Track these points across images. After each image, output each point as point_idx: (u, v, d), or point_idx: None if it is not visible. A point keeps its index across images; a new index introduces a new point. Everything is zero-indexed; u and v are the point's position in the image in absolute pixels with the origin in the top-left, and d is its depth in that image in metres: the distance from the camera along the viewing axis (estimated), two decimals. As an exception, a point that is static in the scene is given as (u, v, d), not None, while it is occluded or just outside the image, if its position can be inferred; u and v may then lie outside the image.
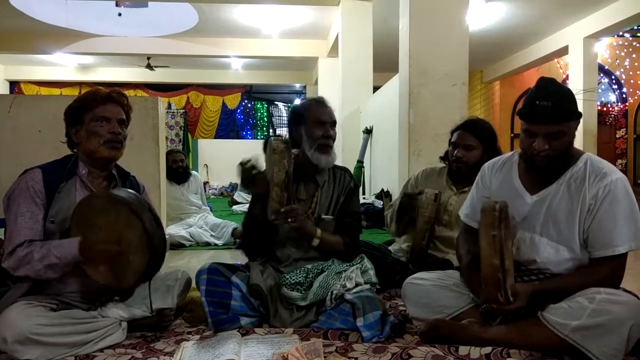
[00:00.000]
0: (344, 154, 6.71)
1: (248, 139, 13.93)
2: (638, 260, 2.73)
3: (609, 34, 8.33)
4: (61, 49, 9.28)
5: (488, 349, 1.46)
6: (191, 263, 3.25)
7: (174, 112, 11.79)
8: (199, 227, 4.26)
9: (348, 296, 1.75)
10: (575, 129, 1.55)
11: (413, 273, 1.87)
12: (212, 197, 10.27)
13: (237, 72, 12.08)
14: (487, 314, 1.61)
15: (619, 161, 10.44)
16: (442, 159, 2.50)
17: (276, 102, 14.28)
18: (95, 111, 1.71)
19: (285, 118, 13.99)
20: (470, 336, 1.53)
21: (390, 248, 2.60)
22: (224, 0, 7.11)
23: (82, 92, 1.84)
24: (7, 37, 8.88)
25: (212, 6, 7.52)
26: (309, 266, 1.89)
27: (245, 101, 14.02)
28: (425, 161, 3.61)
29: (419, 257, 2.35)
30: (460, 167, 2.32)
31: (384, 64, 7.45)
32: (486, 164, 1.81)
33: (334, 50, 8.14)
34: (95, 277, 1.60)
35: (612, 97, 10.65)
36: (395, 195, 4.69)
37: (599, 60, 8.66)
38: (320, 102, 2.03)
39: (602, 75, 9.98)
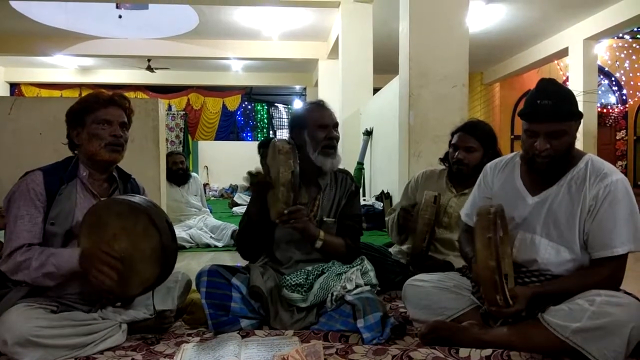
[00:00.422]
0: (344, 156, 6.63)
1: (248, 140, 13.94)
2: (638, 262, 2.72)
3: (609, 36, 8.33)
4: (61, 51, 9.29)
5: (488, 351, 1.46)
6: (191, 265, 3.25)
7: (174, 114, 11.82)
8: (199, 228, 4.26)
9: (348, 297, 1.75)
10: (576, 129, 1.55)
11: (413, 275, 1.87)
12: (212, 198, 10.28)
13: (237, 74, 12.09)
14: (488, 315, 1.61)
15: (619, 163, 10.43)
16: (442, 160, 2.50)
17: (276, 104, 14.28)
18: (97, 114, 1.72)
19: (286, 120, 14.01)
20: (470, 338, 1.53)
21: (390, 250, 2.60)
22: (224, 2, 7.12)
23: (83, 94, 1.84)
24: (8, 39, 8.89)
25: (212, 8, 7.53)
26: (310, 268, 1.89)
27: (246, 103, 14.03)
28: (425, 163, 3.61)
29: (419, 259, 2.35)
30: (461, 169, 2.32)
31: (384, 65, 7.45)
32: (488, 165, 1.81)
33: (334, 52, 8.14)
34: (99, 284, 1.59)
35: (612, 99, 10.65)
36: (396, 196, 4.69)
37: (599, 62, 8.67)
38: (320, 105, 2.03)
39: (602, 76, 9.99)
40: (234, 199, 7.99)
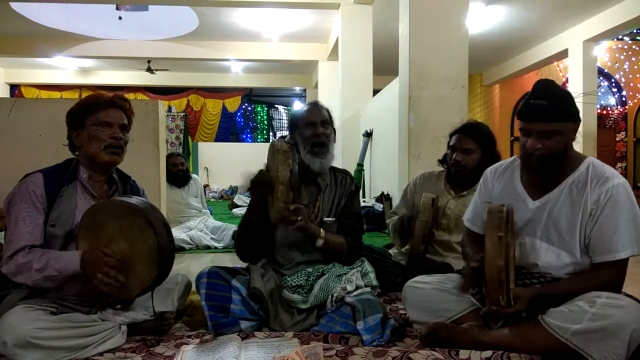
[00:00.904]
0: (343, 157, 6.71)
1: (248, 142, 13.94)
2: (639, 266, 2.72)
3: (608, 37, 8.34)
4: (61, 52, 9.29)
5: (488, 353, 1.46)
6: (191, 266, 3.25)
7: (174, 115, 11.82)
8: (199, 230, 4.26)
9: (348, 299, 1.75)
10: (573, 131, 1.54)
11: (413, 277, 1.87)
12: (212, 200, 10.28)
13: (237, 75, 12.10)
14: (488, 317, 1.61)
15: (619, 164, 10.44)
16: (441, 162, 2.50)
17: (276, 105, 14.30)
18: (97, 115, 1.72)
19: (286, 121, 14.02)
20: (470, 340, 1.53)
21: (390, 251, 2.60)
22: (224, 3, 7.13)
23: (83, 96, 1.84)
24: (8, 40, 8.90)
25: (212, 10, 7.54)
26: (310, 269, 1.89)
27: (246, 104, 14.04)
28: (425, 164, 3.61)
29: (417, 262, 2.35)
30: (458, 171, 2.32)
31: (384, 67, 7.46)
32: (489, 169, 1.81)
33: (334, 54, 8.15)
34: (99, 286, 1.60)
35: (612, 100, 10.66)
36: (395, 198, 4.69)
37: (598, 64, 8.68)
38: (311, 104, 2.06)
39: (601, 78, 10.00)
40: (234, 200, 7.99)
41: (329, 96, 8.57)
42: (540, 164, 1.54)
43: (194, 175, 4.69)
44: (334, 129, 2.05)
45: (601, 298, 1.39)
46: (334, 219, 1.99)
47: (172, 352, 1.60)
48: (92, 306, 1.71)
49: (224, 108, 13.35)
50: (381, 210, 5.03)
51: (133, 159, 2.51)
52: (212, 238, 4.22)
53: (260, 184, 1.84)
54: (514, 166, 1.71)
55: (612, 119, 10.60)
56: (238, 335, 1.70)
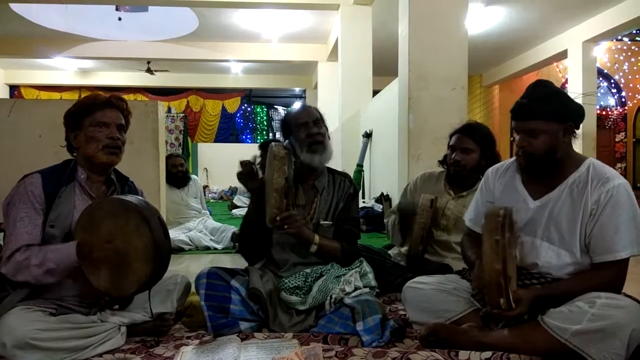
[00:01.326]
0: (343, 158, 6.71)
1: (248, 142, 13.94)
2: (639, 266, 2.72)
3: (607, 38, 8.36)
4: (61, 53, 9.30)
5: (488, 354, 1.46)
6: (191, 267, 3.24)
7: (173, 116, 11.81)
8: (199, 231, 4.26)
9: (347, 300, 1.75)
10: (563, 131, 1.54)
11: (412, 278, 1.87)
12: (212, 201, 10.27)
13: (237, 76, 12.11)
14: (488, 318, 1.61)
15: (619, 165, 10.44)
16: (441, 163, 2.50)
17: (276, 106, 14.31)
18: (94, 116, 1.72)
19: (284, 122, 14.00)
20: (470, 340, 1.53)
21: (389, 252, 2.60)
22: (224, 4, 7.14)
23: (82, 97, 1.84)
24: (7, 41, 8.90)
25: (212, 11, 7.54)
26: (308, 270, 1.89)
27: (245, 105, 14.05)
28: (424, 165, 3.61)
29: (416, 263, 2.35)
30: (457, 171, 2.32)
31: (384, 68, 7.46)
32: (490, 169, 1.82)
33: (333, 55, 8.16)
34: (96, 283, 1.60)
35: (611, 101, 10.67)
36: (395, 199, 4.69)
37: (598, 64, 8.69)
38: (300, 107, 2.10)
39: (601, 79, 10.01)
40: (234, 201, 7.98)
41: (328, 97, 8.58)
42: (527, 162, 1.57)
43: (193, 176, 4.69)
44: (326, 127, 2.06)
45: (601, 299, 1.39)
46: (330, 222, 1.99)
47: (172, 353, 1.60)
48: (91, 307, 1.71)
49: (224, 109, 13.35)
50: (381, 211, 5.03)
51: (132, 160, 2.51)
52: (211, 239, 4.22)
53: (247, 175, 1.87)
54: (515, 166, 1.72)
55: (611, 119, 10.60)
56: (237, 336, 1.70)
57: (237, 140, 13.96)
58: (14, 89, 12.29)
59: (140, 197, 1.71)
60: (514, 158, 1.75)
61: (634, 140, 10.59)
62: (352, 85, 6.92)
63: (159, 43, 9.24)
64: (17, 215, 1.60)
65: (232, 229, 4.26)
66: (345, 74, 6.96)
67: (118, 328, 1.66)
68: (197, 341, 1.70)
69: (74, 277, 1.62)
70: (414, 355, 1.48)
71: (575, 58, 8.04)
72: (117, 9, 7.34)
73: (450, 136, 2.39)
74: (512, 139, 11.15)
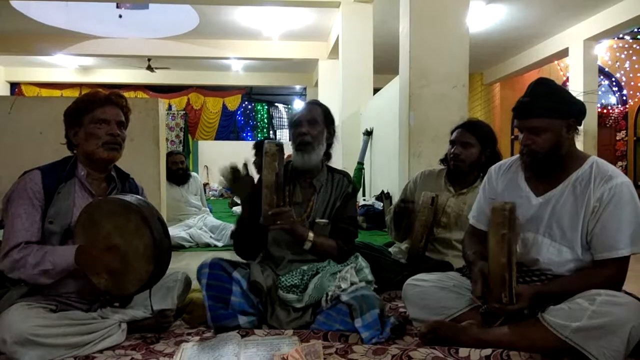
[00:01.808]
0: (344, 156, 6.71)
1: (248, 140, 13.93)
2: (639, 263, 2.72)
3: (609, 36, 8.34)
4: (62, 51, 9.29)
5: (488, 351, 1.46)
6: (191, 264, 3.25)
7: (174, 114, 11.82)
8: (199, 228, 4.26)
9: (344, 298, 1.74)
10: (565, 127, 1.55)
11: (412, 275, 1.87)
12: (212, 198, 10.27)
13: (237, 73, 12.09)
14: (488, 315, 1.61)
15: (619, 163, 10.42)
16: (442, 161, 2.50)
17: (276, 104, 14.29)
18: (94, 113, 1.72)
19: (286, 120, 14.02)
20: (470, 338, 1.53)
21: (390, 250, 2.60)
22: (224, 2, 7.12)
23: (82, 94, 1.84)
24: (8, 38, 8.89)
25: (212, 8, 7.53)
26: (305, 268, 1.89)
27: (246, 103, 14.04)
28: (425, 163, 3.61)
29: (417, 260, 2.35)
30: (457, 165, 2.33)
31: (384, 65, 7.45)
32: (493, 167, 1.82)
33: (334, 52, 8.14)
34: (96, 282, 1.60)
35: (613, 99, 10.64)
36: (396, 197, 4.69)
37: (599, 63, 8.67)
38: (307, 103, 2.08)
39: (602, 77, 9.98)
40: (234, 198, 7.98)
41: (329, 95, 8.56)
42: (532, 160, 1.57)
43: (193, 174, 4.69)
44: (330, 127, 2.03)
45: (601, 296, 1.39)
46: (327, 220, 1.98)
47: (172, 349, 1.60)
48: (92, 304, 1.71)
49: (224, 106, 13.34)
50: (381, 209, 5.03)
51: (133, 157, 2.51)
52: (211, 236, 4.22)
53: (238, 185, 1.87)
54: (518, 164, 1.72)
55: (612, 118, 10.58)
56: (238, 333, 1.70)
57: (238, 138, 13.95)
58: (14, 86, 12.29)
59: (140, 197, 1.71)
60: (517, 156, 1.75)
61: (634, 138, 10.57)
62: (352, 83, 6.91)
63: (159, 40, 9.23)
64: (16, 212, 1.61)
65: (232, 226, 4.23)
66: (346, 71, 6.95)
67: (118, 325, 1.66)
68: (197, 338, 1.70)
69: (74, 275, 1.62)
70: (414, 352, 1.48)
71: (576, 56, 8.03)
72: (117, 6, 7.32)
73: (452, 132, 2.40)
74: (513, 137, 11.16)
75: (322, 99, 9.15)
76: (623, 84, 10.35)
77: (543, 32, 8.50)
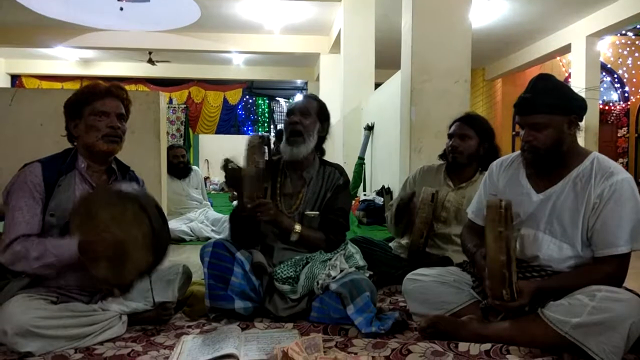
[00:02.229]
0: (345, 151, 6.70)
1: (249, 134, 13.90)
2: (639, 260, 2.73)
3: (611, 33, 8.30)
4: (62, 43, 9.26)
5: (488, 346, 1.47)
6: (191, 258, 3.25)
7: (175, 107, 11.80)
8: (200, 222, 4.26)
9: (333, 286, 1.75)
10: (567, 123, 1.54)
11: (413, 270, 1.87)
12: (213, 192, 10.28)
13: (238, 67, 12.06)
14: (488, 310, 1.62)
15: (621, 160, 10.40)
16: (441, 157, 2.51)
17: (277, 98, 14.25)
18: (94, 105, 1.71)
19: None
20: (470, 332, 1.54)
21: (390, 245, 2.60)
22: (226, -5, 7.10)
23: (82, 86, 1.83)
24: (9, 30, 8.86)
25: (214, 1, 7.50)
26: (298, 257, 1.89)
27: (247, 97, 14.00)
28: (426, 158, 3.60)
29: (418, 257, 2.35)
30: (455, 157, 2.33)
31: (386, 60, 7.43)
32: (494, 163, 1.82)
33: (335, 47, 8.12)
34: (95, 271, 1.60)
35: (614, 96, 10.61)
36: (396, 192, 4.69)
37: (601, 59, 8.64)
38: (303, 96, 2.10)
39: (604, 73, 9.94)
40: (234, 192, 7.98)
41: (330, 89, 8.54)
42: (534, 157, 1.57)
43: (194, 167, 4.69)
44: (324, 122, 2.02)
45: (601, 292, 1.39)
46: (316, 212, 1.97)
47: (172, 342, 1.61)
48: (93, 296, 1.72)
49: (225, 100, 13.32)
50: (381, 204, 5.02)
51: (134, 151, 2.51)
52: (212, 230, 4.23)
53: (227, 175, 1.88)
54: (520, 160, 1.72)
55: (614, 114, 10.55)
56: (238, 325, 1.70)
57: (239, 132, 13.91)
58: (15, 78, 12.25)
59: (136, 186, 1.71)
60: (518, 152, 1.75)
61: (636, 135, 10.54)
62: (354, 78, 6.89)
63: (160, 33, 9.19)
64: (17, 204, 1.61)
65: (233, 220, 4.25)
66: (347, 66, 6.92)
67: (119, 317, 1.67)
68: (197, 330, 1.71)
69: (74, 267, 1.62)
70: (413, 346, 1.49)
71: (578, 52, 8.00)
72: (118, -1, 7.28)
73: (450, 126, 2.40)
74: (514, 133, 11.14)
75: (323, 93, 9.15)
76: (625, 80, 10.32)
77: (545, 28, 8.46)
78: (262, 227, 1.99)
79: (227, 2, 7.58)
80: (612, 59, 10.11)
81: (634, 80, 10.23)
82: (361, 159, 6.23)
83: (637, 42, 10.05)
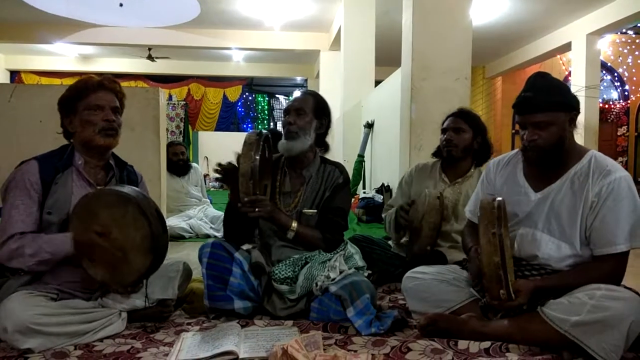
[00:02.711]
0: (344, 148, 6.69)
1: (249, 131, 13.88)
2: (639, 259, 2.73)
3: (612, 31, 8.29)
4: (62, 39, 9.23)
5: (487, 344, 1.47)
6: (191, 255, 3.25)
7: (174, 104, 11.77)
8: (199, 219, 4.26)
9: (333, 289, 1.74)
10: (568, 120, 1.55)
11: (412, 267, 1.87)
12: (212, 189, 10.27)
13: (238, 64, 12.04)
14: (487, 308, 1.62)
15: (620, 159, 10.41)
16: (435, 154, 2.50)
17: (277, 95, 14.24)
18: (88, 99, 1.70)
19: (286, 111, 13.95)
20: (469, 330, 1.54)
21: (390, 242, 2.60)
22: (226, -9, 7.07)
23: (75, 81, 1.82)
24: (8, 26, 8.83)
25: (214, -3, 7.48)
26: (296, 256, 1.89)
27: (246, 94, 13.99)
28: (426, 155, 3.58)
29: (421, 259, 2.32)
30: (450, 151, 2.33)
31: (386, 57, 7.41)
32: (491, 161, 1.82)
33: (336, 44, 8.10)
34: (93, 274, 1.60)
35: (614, 95, 10.61)
36: (396, 189, 4.68)
37: (601, 57, 8.63)
38: (301, 93, 2.09)
39: (604, 72, 9.94)
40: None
41: (330, 86, 8.53)
42: (538, 156, 1.56)
43: (194, 164, 4.69)
44: (322, 118, 2.01)
45: (600, 290, 1.40)
46: (314, 211, 1.96)
47: (172, 339, 1.61)
48: (92, 293, 1.71)
49: (225, 97, 13.30)
50: (381, 201, 5.03)
51: (133, 147, 2.51)
52: (211, 227, 4.23)
53: (223, 173, 1.88)
54: (517, 159, 1.72)
55: (614, 113, 10.55)
56: (238, 323, 1.71)
57: (238, 129, 13.91)
58: (14, 74, 12.23)
59: (137, 189, 1.70)
60: (515, 150, 1.75)
61: (636, 134, 10.55)
62: (354, 75, 6.88)
63: (160, 30, 9.16)
64: (13, 202, 1.60)
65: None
66: (347, 63, 6.91)
67: (119, 313, 1.67)
68: (197, 327, 1.71)
69: (74, 263, 1.62)
70: (413, 344, 1.49)
71: (579, 51, 7.99)
72: (118, -5, 7.26)
73: (444, 121, 2.42)
74: (514, 131, 11.14)
75: (323, 90, 9.12)
76: (625, 79, 10.31)
77: (546, 26, 8.45)
78: (260, 224, 1.98)
79: (227, -1, 7.56)
80: (612, 57, 10.10)
81: (634, 78, 10.22)
82: (361, 156, 6.22)
83: (637, 41, 10.04)
